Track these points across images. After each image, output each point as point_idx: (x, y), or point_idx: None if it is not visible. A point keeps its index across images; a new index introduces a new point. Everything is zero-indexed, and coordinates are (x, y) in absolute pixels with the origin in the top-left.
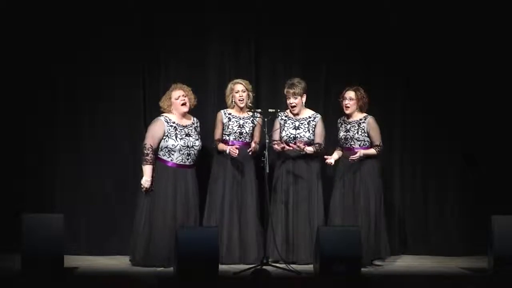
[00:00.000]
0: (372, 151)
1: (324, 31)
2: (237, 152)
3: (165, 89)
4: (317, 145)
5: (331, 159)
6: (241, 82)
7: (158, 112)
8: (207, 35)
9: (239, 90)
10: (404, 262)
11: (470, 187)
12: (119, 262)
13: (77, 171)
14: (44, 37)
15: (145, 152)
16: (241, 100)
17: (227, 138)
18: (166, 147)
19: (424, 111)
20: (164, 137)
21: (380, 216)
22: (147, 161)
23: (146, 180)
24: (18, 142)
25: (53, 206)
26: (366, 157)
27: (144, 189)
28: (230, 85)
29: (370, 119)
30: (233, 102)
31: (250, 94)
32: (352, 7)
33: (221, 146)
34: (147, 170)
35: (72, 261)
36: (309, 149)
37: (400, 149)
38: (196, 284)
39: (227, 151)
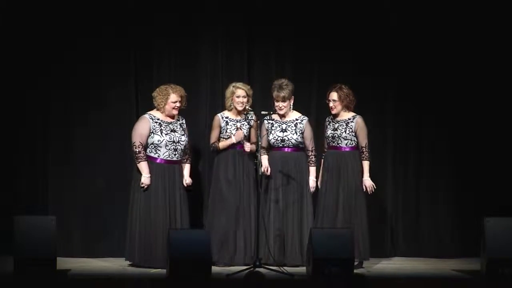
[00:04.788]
0: (366, 166)
1: (316, 32)
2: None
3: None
4: (309, 152)
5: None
6: (243, 87)
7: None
8: (199, 36)
9: (240, 95)
10: (396, 264)
11: (463, 188)
12: (112, 264)
13: (69, 172)
14: (39, 37)
15: (136, 150)
16: (241, 106)
17: None
18: (152, 143)
19: (417, 111)
20: (150, 134)
21: (361, 217)
22: (141, 159)
23: (145, 177)
24: (10, 143)
25: (45, 207)
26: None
27: (145, 186)
28: (231, 88)
29: (359, 118)
30: (232, 105)
31: (250, 99)
32: (344, 8)
33: (223, 142)
34: (144, 167)
35: (65, 263)
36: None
37: (392, 149)
38: (188, 286)
39: (233, 137)
